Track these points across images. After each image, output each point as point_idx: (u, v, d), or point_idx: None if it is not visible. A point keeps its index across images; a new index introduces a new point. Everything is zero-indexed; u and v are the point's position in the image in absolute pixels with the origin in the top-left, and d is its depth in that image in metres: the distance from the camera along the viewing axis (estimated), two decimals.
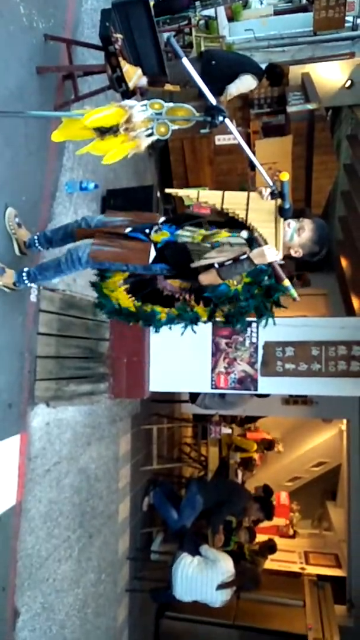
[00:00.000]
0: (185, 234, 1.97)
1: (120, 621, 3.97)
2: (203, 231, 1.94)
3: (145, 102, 1.63)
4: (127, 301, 2.21)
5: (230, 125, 1.53)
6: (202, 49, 5.42)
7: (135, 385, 3.51)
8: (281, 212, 1.86)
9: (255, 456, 7.07)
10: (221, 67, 3.49)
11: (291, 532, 8.24)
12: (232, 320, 2.08)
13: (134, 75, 2.56)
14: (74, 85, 2.75)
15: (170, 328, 2.19)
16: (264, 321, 2.07)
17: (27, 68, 2.49)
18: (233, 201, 1.84)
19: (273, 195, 1.85)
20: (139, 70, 2.58)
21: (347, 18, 6.13)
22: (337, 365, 3.41)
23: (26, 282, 2.23)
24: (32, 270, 2.25)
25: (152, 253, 1.99)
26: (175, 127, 1.66)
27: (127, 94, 2.59)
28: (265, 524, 6.55)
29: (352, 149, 6.03)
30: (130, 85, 2.56)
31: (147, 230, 2.03)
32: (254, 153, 4.86)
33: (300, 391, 3.64)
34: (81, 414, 3.26)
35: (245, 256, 1.90)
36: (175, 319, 2.18)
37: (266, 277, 1.97)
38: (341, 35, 6.25)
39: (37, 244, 2.33)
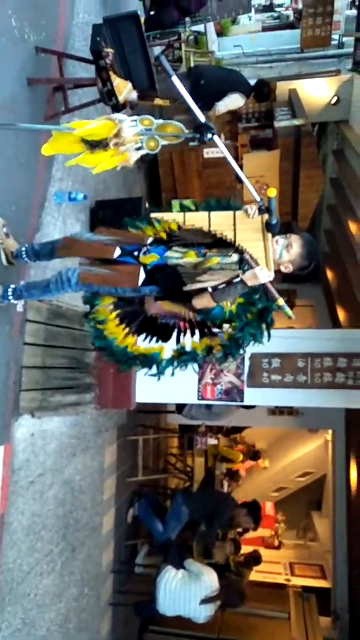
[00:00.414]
0: (175, 255, 1.97)
1: (103, 635, 3.90)
2: (192, 253, 1.94)
3: (135, 117, 1.65)
4: (121, 336, 2.15)
5: (219, 142, 1.55)
6: (192, 64, 5.51)
7: (122, 395, 3.51)
8: (268, 228, 1.89)
9: (241, 468, 7.06)
10: (210, 85, 3.55)
11: (276, 543, 8.23)
12: (231, 352, 2.05)
13: (124, 89, 2.59)
14: (64, 97, 2.78)
15: (172, 374, 2.17)
16: (257, 342, 2.05)
17: (18, 79, 2.50)
18: (220, 222, 1.87)
19: (260, 210, 1.88)
20: (129, 85, 2.61)
21: (333, 36, 6.29)
22: (323, 377, 3.46)
23: (10, 298, 2.21)
24: (18, 288, 2.23)
25: (142, 275, 1.98)
26: (165, 142, 1.68)
27: (117, 107, 2.62)
28: (251, 534, 6.54)
29: (337, 164, 6.16)
30: (121, 99, 2.59)
31: (135, 253, 2.02)
32: (241, 167, 4.93)
33: (286, 402, 3.67)
34: (66, 424, 3.24)
35: (238, 279, 1.90)
36: (175, 361, 2.15)
37: (257, 297, 1.94)
38: (327, 53, 6.41)
39: (24, 255, 2.31)
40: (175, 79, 1.37)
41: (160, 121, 1.65)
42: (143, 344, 2.21)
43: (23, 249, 2.32)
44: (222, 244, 1.94)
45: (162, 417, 6.14)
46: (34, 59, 2.64)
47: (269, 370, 3.49)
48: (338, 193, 6.12)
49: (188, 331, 2.17)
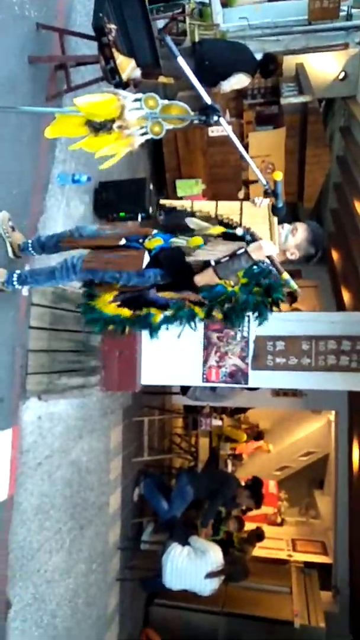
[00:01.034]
0: (180, 241, 1.94)
1: (110, 609, 4.03)
2: (198, 238, 1.91)
3: (139, 96, 1.61)
4: (118, 310, 2.08)
5: (225, 125, 1.52)
6: (196, 37, 5.35)
7: (127, 378, 3.53)
8: (274, 211, 1.87)
9: (244, 452, 7.11)
10: (215, 65, 3.47)
11: (279, 520, 8.39)
12: (231, 316, 1.95)
13: (128, 67, 2.53)
14: (67, 75, 2.71)
15: (167, 328, 2.06)
16: (261, 319, 1.95)
17: (19, 58, 2.44)
18: (227, 207, 1.84)
19: (266, 194, 1.85)
20: (132, 62, 2.55)
21: (342, 7, 6.07)
22: (327, 360, 3.45)
23: (15, 284, 2.21)
24: (23, 274, 2.22)
25: (146, 258, 1.94)
26: (170, 126, 1.65)
27: (121, 85, 2.56)
28: (254, 512, 6.67)
29: (344, 141, 6.03)
30: (124, 76, 2.53)
31: (140, 240, 2.00)
32: (246, 146, 4.82)
33: (290, 385, 3.68)
34: (73, 407, 3.27)
35: (242, 250, 1.82)
36: (171, 319, 2.04)
37: (264, 277, 1.86)
38: (335, 25, 6.20)
39: (30, 248, 2.31)
40: (180, 60, 1.33)
41: (166, 101, 1.60)
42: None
43: (29, 241, 2.31)
44: (229, 239, 1.91)
45: (167, 398, 6.19)
46: (35, 35, 2.57)
47: (273, 353, 3.49)
48: (344, 171, 6.01)
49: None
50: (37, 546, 2.76)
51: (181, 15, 4.95)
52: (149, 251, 1.97)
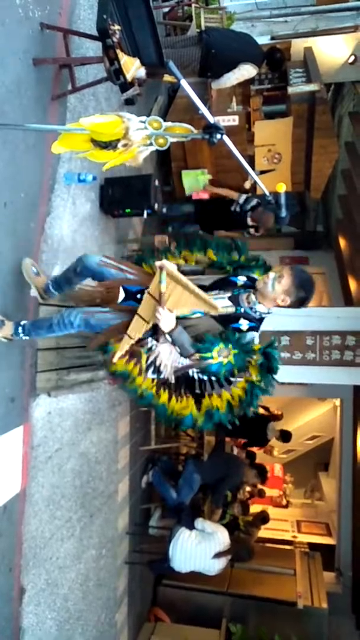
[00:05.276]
0: None
1: (120, 591, 4.19)
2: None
3: (144, 118, 1.63)
4: (150, 385, 2.21)
5: (230, 143, 1.54)
6: (202, 21, 5.26)
7: None
8: (277, 220, 1.90)
9: None
10: (221, 56, 3.43)
11: (284, 502, 8.56)
12: (248, 404, 2.08)
13: (132, 67, 2.52)
14: (71, 75, 2.71)
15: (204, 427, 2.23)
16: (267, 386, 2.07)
17: (24, 60, 2.44)
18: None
19: (269, 203, 1.88)
20: (137, 62, 2.54)
21: None
22: (331, 355, 3.51)
23: (21, 335, 2.29)
24: (27, 326, 2.31)
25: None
26: (174, 139, 1.67)
27: (125, 86, 2.56)
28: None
29: (353, 127, 5.92)
30: (129, 77, 2.52)
31: (138, 296, 2.06)
32: (253, 134, 4.75)
33: (294, 379, 3.75)
34: (81, 401, 3.36)
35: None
36: (206, 422, 2.17)
37: (252, 346, 2.00)
38: (346, 6, 6.04)
39: (51, 289, 2.45)
40: (184, 83, 1.35)
41: (169, 123, 1.62)
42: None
43: (49, 282, 2.44)
44: (222, 286, 2.03)
45: None
46: (39, 36, 2.56)
47: (278, 348, 3.54)
48: (353, 158, 5.92)
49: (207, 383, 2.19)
50: (49, 535, 2.88)
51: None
52: None
